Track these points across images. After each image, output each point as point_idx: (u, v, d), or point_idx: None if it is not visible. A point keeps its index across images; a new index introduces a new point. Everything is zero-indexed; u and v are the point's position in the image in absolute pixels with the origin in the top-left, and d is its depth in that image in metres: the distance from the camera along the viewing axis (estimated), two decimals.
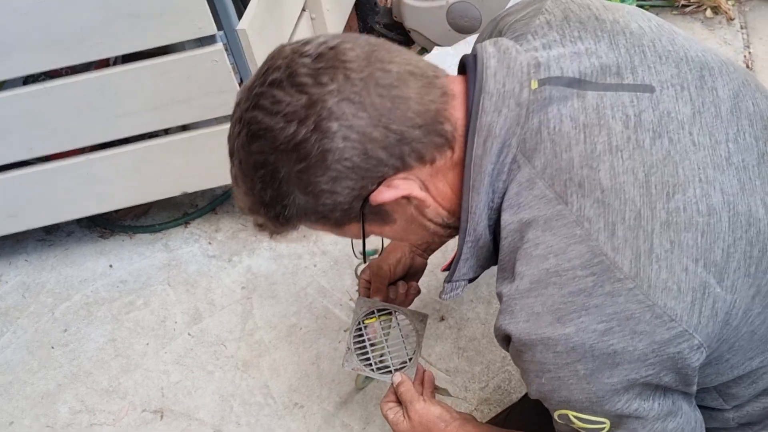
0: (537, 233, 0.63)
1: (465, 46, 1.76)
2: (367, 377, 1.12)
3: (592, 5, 0.71)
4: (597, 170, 0.61)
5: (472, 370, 1.39)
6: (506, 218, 0.66)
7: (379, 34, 2.08)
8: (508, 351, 0.70)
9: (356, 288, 1.51)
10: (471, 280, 0.78)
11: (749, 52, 1.86)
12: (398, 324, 1.03)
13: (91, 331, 1.57)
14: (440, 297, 0.79)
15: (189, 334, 1.53)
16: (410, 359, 1.00)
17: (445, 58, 1.77)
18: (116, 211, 1.74)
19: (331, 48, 0.64)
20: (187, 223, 1.75)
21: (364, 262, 0.79)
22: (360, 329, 1.00)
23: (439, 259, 1.38)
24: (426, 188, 0.69)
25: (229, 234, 1.72)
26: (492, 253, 0.73)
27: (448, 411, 0.92)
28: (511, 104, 0.65)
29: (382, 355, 1.00)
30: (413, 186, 0.67)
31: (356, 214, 0.68)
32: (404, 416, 0.92)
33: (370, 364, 0.98)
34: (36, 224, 1.65)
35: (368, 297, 1.07)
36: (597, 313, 0.59)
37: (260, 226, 0.73)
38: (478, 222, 0.68)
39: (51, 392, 1.48)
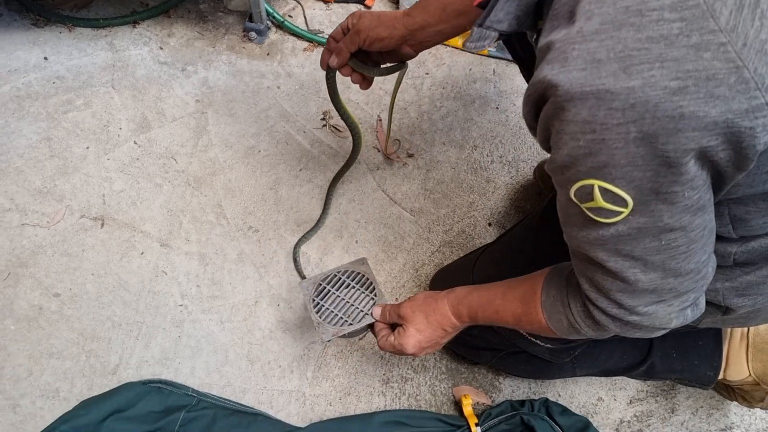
0: None
1: None
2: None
3: None
4: None
5: (438, 212, 1.35)
6: None
7: None
8: (532, 118, 0.61)
9: (321, 123, 1.42)
10: (502, 38, 0.69)
11: None
12: (347, 280, 1.04)
13: (23, 127, 1.40)
14: (463, 45, 0.70)
15: (135, 143, 1.40)
16: (374, 295, 1.02)
17: None
18: None
19: None
20: (135, 22, 1.55)
21: None
22: (317, 305, 1.02)
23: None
24: None
25: (183, 41, 1.55)
26: (537, 4, 0.65)
27: (430, 292, 0.94)
28: None
29: (350, 310, 1.02)
30: None
31: None
32: (402, 328, 0.92)
33: (345, 322, 1.00)
34: None
35: (330, 52, 0.98)
36: (674, 68, 0.50)
37: None
38: None
39: None
